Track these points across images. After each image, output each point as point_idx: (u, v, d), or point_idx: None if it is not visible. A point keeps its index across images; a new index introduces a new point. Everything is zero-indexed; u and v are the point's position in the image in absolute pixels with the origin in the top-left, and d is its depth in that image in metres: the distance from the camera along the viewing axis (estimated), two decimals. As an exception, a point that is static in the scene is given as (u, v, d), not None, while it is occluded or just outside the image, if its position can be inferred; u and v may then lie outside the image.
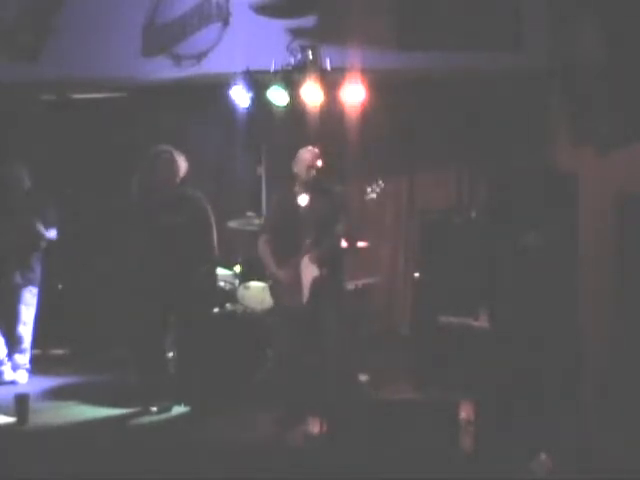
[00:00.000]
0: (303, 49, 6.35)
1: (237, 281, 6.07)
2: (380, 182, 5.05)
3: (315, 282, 4.83)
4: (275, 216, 5.19)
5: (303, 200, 4.96)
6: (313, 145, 5.15)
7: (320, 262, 4.85)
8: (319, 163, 5.00)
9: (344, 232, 4.99)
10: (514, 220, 5.00)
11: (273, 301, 5.27)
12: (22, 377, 6.07)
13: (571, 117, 5.58)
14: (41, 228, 6.00)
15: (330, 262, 4.90)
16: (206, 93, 6.82)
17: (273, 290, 5.17)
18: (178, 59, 6.70)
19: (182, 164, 5.40)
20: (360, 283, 6.03)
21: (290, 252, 4.94)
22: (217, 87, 6.55)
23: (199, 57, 6.66)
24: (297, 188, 5.03)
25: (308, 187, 4.98)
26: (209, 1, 6.66)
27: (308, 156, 5.02)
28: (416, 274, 6.24)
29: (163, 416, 5.16)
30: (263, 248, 5.10)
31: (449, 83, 6.67)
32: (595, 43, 4.94)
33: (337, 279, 5.04)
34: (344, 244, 5.23)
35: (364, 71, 6.19)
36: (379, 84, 6.34)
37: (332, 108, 6.47)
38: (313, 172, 4.98)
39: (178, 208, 5.24)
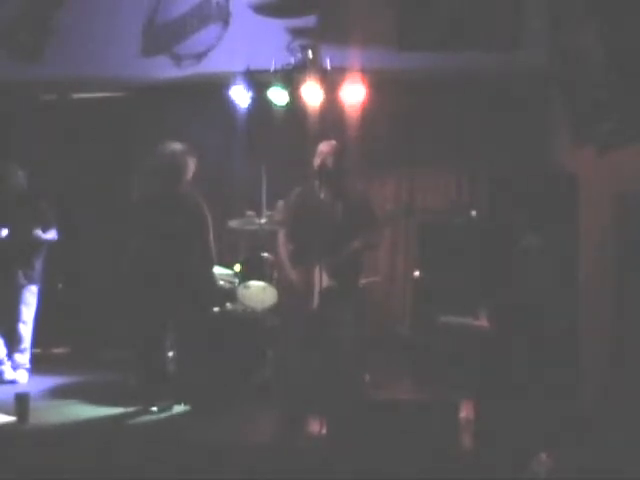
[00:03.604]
0: (303, 49, 6.36)
1: (237, 281, 6.07)
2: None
3: (326, 290, 4.71)
4: (292, 210, 5.08)
5: (322, 198, 4.81)
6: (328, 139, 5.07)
7: (334, 272, 4.77)
8: (336, 153, 4.89)
9: (367, 243, 4.88)
10: (514, 220, 5.00)
11: (283, 301, 5.22)
12: (22, 377, 6.08)
13: (571, 117, 5.58)
14: (38, 232, 5.98)
15: (344, 272, 4.81)
16: (206, 93, 6.83)
17: (284, 290, 5.12)
18: (178, 59, 6.70)
19: (191, 165, 5.37)
20: (360, 283, 6.03)
21: (305, 252, 4.85)
22: (217, 87, 6.55)
23: (199, 57, 6.66)
24: (316, 184, 4.91)
25: (324, 180, 4.81)
26: (209, 1, 6.66)
27: (326, 147, 4.93)
28: (416, 274, 6.24)
29: (163, 416, 5.16)
30: (282, 244, 5.01)
31: (449, 83, 6.67)
32: (595, 43, 4.93)
33: (350, 289, 4.94)
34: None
35: (364, 71, 6.19)
36: (379, 84, 6.33)
37: (332, 108, 6.47)
38: (330, 160, 4.85)
39: (175, 207, 5.24)
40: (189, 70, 6.70)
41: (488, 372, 4.83)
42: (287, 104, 6.49)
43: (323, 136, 5.17)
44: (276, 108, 6.55)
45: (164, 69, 6.71)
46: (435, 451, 4.17)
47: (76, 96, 7.26)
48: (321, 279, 4.66)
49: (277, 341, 5.64)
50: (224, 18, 6.62)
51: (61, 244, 6.23)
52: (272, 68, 6.31)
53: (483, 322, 5.40)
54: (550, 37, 6.00)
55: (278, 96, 6.42)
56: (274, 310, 5.84)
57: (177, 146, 5.32)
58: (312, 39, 6.42)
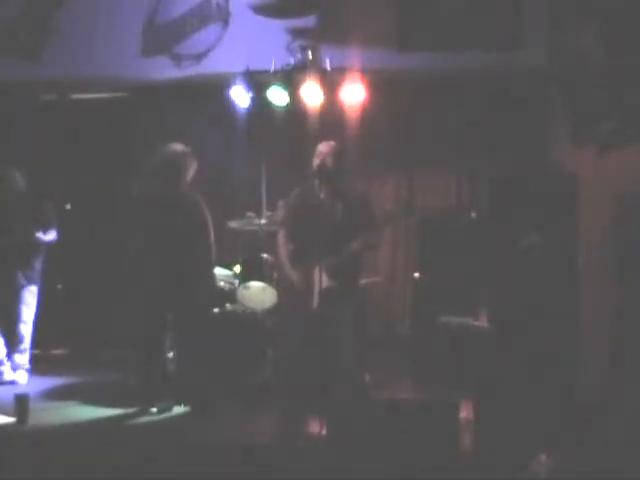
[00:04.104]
0: (303, 49, 6.36)
1: (237, 281, 6.07)
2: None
3: (326, 290, 4.70)
4: (292, 211, 5.07)
5: (321, 198, 4.78)
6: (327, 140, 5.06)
7: (334, 272, 4.76)
8: (335, 154, 4.88)
9: (367, 243, 4.87)
10: (514, 220, 5.00)
11: (283, 301, 5.21)
12: (22, 377, 6.07)
13: (571, 117, 5.59)
14: (39, 233, 5.98)
15: (344, 272, 4.80)
16: (206, 93, 6.83)
17: (284, 290, 5.12)
18: (178, 59, 6.70)
19: (191, 167, 5.37)
20: (360, 283, 6.02)
21: (305, 252, 4.84)
22: (217, 87, 6.56)
23: (199, 57, 6.66)
24: (316, 184, 4.90)
25: (323, 180, 4.80)
26: (209, 1, 6.66)
27: (325, 148, 4.92)
28: (416, 274, 6.24)
29: (163, 416, 5.16)
30: (282, 244, 5.00)
31: (449, 83, 6.68)
32: (595, 43, 4.94)
33: (350, 289, 4.92)
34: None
35: (364, 71, 6.19)
36: (379, 84, 6.34)
37: (332, 108, 6.47)
38: (329, 161, 4.83)
39: (175, 207, 5.24)
40: (189, 70, 6.70)
41: (488, 372, 4.83)
42: (287, 104, 6.49)
43: (323, 136, 5.17)
44: (276, 108, 6.55)
45: (164, 69, 6.71)
46: (435, 451, 4.17)
47: (76, 96, 7.26)
48: (321, 279, 4.66)
49: (277, 341, 5.64)
50: (224, 18, 6.62)
51: (61, 244, 6.23)
52: (272, 68, 6.32)
53: (483, 322, 5.40)
54: (550, 37, 6.00)
55: (278, 96, 6.42)
56: (274, 311, 5.84)
57: (178, 147, 5.34)
58: (312, 39, 6.43)
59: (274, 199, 6.28)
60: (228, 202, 6.95)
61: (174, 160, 5.29)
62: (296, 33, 6.45)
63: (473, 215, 6.16)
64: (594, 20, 4.97)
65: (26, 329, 6.09)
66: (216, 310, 5.87)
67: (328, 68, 6.29)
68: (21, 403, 4.90)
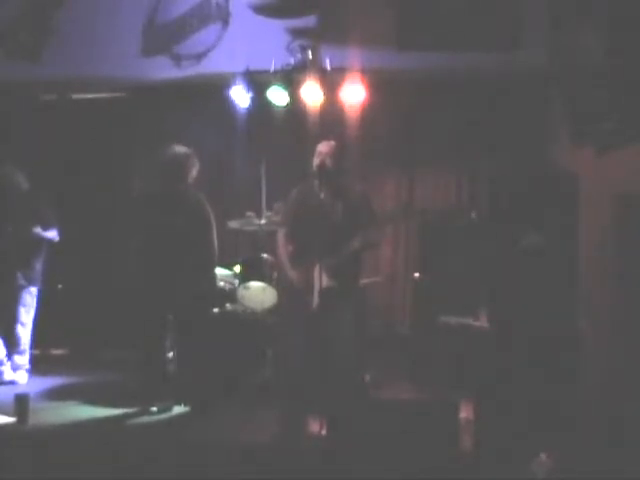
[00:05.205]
0: (303, 49, 6.36)
1: (237, 281, 6.07)
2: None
3: (326, 290, 4.68)
4: (292, 210, 5.06)
5: (321, 197, 4.77)
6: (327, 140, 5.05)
7: (334, 272, 4.75)
8: (335, 153, 4.87)
9: (367, 241, 4.85)
10: (514, 220, 5.00)
11: (283, 301, 5.20)
12: (22, 377, 6.07)
13: (571, 117, 5.58)
14: (38, 231, 5.98)
15: (344, 272, 4.79)
16: (206, 93, 6.83)
17: (283, 290, 5.11)
18: (178, 59, 6.70)
19: (194, 167, 5.38)
20: (360, 283, 6.02)
21: (305, 252, 4.83)
22: (217, 87, 6.56)
23: (199, 57, 6.66)
24: (316, 184, 4.89)
25: (323, 180, 4.79)
26: (209, 1, 6.66)
27: (324, 148, 4.91)
28: (416, 274, 6.24)
29: (163, 416, 5.16)
30: (282, 244, 4.98)
31: (449, 83, 6.68)
32: (595, 43, 4.93)
33: (350, 289, 4.91)
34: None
35: (364, 71, 6.19)
36: (379, 84, 6.34)
37: (332, 108, 6.47)
38: (329, 160, 4.81)
39: (178, 208, 5.25)
40: (189, 70, 6.70)
41: (488, 372, 4.83)
42: (287, 104, 6.49)
43: (323, 136, 5.16)
44: (276, 108, 6.55)
45: (164, 69, 6.71)
46: (435, 451, 4.17)
47: (76, 96, 7.26)
48: (321, 279, 4.66)
49: (277, 341, 5.64)
50: (224, 18, 6.62)
51: (61, 244, 6.23)
52: (272, 68, 6.32)
53: (483, 322, 5.40)
54: (550, 37, 6.00)
55: (278, 96, 6.42)
56: (274, 311, 5.84)
57: (181, 148, 5.35)
58: (312, 39, 6.43)
59: (274, 199, 6.28)
60: (228, 202, 6.94)
61: (177, 160, 5.31)
62: (296, 33, 6.45)
63: (473, 215, 6.17)
64: (594, 20, 4.97)
65: (23, 330, 6.08)
66: (216, 310, 5.87)
67: (328, 68, 6.29)
68: (21, 403, 4.90)
